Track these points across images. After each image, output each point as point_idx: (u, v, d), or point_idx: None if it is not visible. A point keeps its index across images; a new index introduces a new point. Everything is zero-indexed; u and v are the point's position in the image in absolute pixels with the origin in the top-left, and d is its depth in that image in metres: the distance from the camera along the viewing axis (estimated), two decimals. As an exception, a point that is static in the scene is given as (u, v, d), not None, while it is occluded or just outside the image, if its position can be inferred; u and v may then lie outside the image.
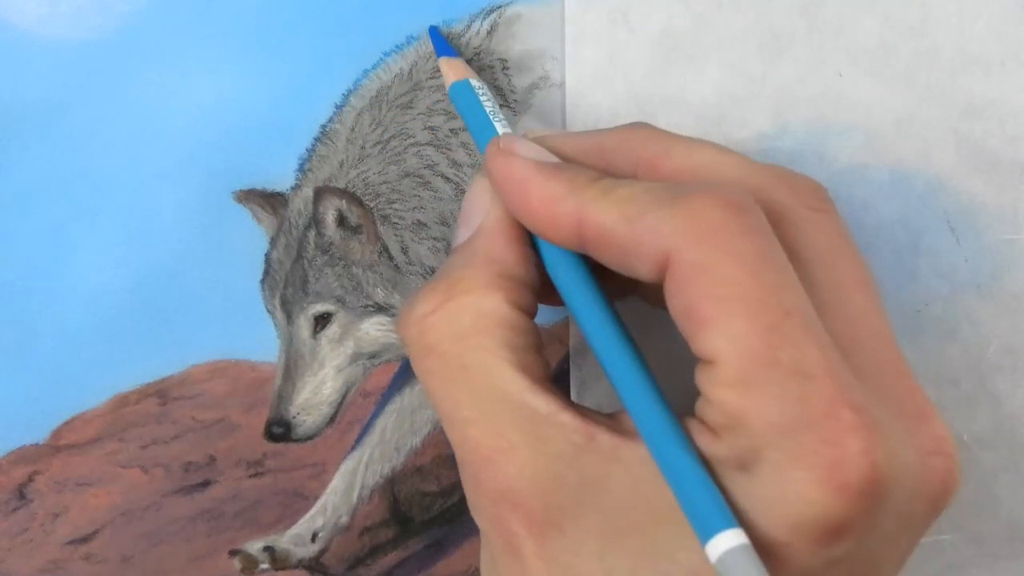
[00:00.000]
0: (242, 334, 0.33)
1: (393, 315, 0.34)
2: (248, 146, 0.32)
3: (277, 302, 0.33)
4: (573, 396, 0.35)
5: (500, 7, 0.32)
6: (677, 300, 0.23)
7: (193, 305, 0.32)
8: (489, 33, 0.33)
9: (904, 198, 0.34)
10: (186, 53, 0.31)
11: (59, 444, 0.33)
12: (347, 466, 0.35)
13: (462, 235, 0.27)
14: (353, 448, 0.35)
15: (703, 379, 0.23)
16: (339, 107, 0.32)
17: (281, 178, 0.32)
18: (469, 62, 0.33)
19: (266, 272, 0.33)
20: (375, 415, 0.35)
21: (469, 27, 0.32)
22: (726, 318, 0.22)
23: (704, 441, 0.23)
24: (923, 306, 0.34)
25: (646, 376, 0.24)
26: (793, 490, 0.21)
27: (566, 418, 0.24)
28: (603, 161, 0.27)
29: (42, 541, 0.33)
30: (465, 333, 0.25)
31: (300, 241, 0.33)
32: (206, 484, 0.34)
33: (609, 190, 0.24)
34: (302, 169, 0.32)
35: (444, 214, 0.33)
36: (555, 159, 0.27)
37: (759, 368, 0.22)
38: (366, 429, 0.35)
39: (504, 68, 0.33)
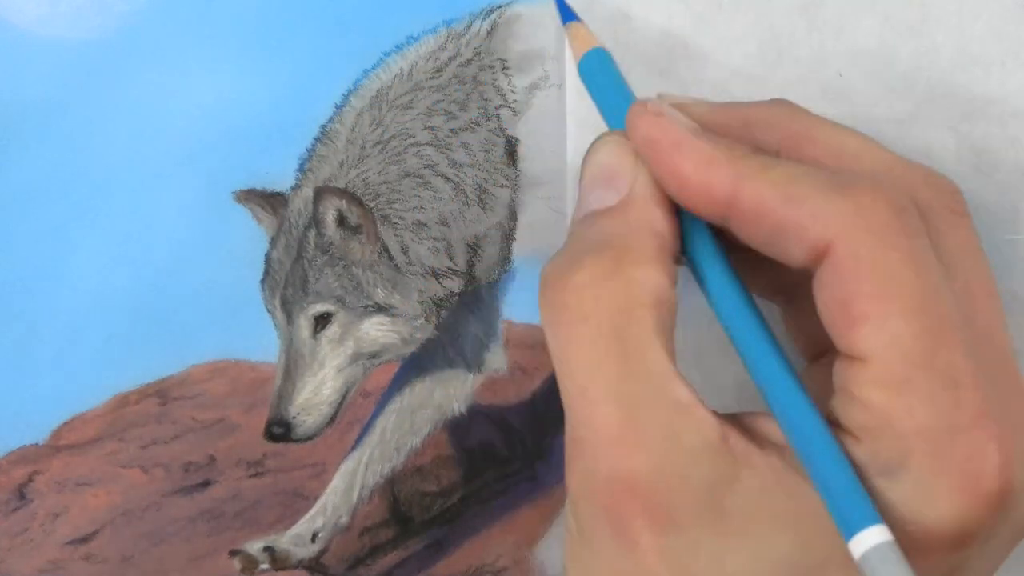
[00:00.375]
0: (242, 334, 0.33)
1: (393, 315, 0.34)
2: (248, 146, 0.32)
3: (277, 302, 0.33)
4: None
5: (500, 7, 0.32)
6: (831, 291, 0.22)
7: (193, 305, 0.32)
8: (489, 33, 0.33)
9: (904, 198, 0.34)
10: (186, 53, 0.31)
11: (59, 444, 0.33)
12: (347, 466, 0.35)
13: (606, 198, 0.25)
14: (353, 448, 0.35)
15: (848, 377, 0.22)
16: (339, 107, 0.32)
17: (281, 178, 0.32)
18: (469, 62, 0.33)
19: (266, 272, 0.33)
20: (375, 415, 0.35)
21: (469, 27, 0.32)
22: (886, 317, 0.21)
23: (845, 444, 0.22)
24: (923, 306, 0.34)
25: (789, 369, 0.23)
26: (936, 496, 0.21)
27: (703, 413, 0.23)
28: (747, 134, 0.26)
29: (42, 541, 0.33)
30: (631, 307, 0.23)
31: (300, 241, 0.33)
32: (206, 484, 0.34)
33: (769, 166, 0.23)
34: (302, 169, 0.32)
35: (444, 214, 0.33)
36: (708, 116, 0.25)
37: (915, 371, 0.21)
38: (366, 429, 0.35)
39: (504, 68, 0.33)
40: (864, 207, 0.22)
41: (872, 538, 0.21)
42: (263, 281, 0.33)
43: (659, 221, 0.24)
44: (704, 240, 0.25)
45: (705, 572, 0.22)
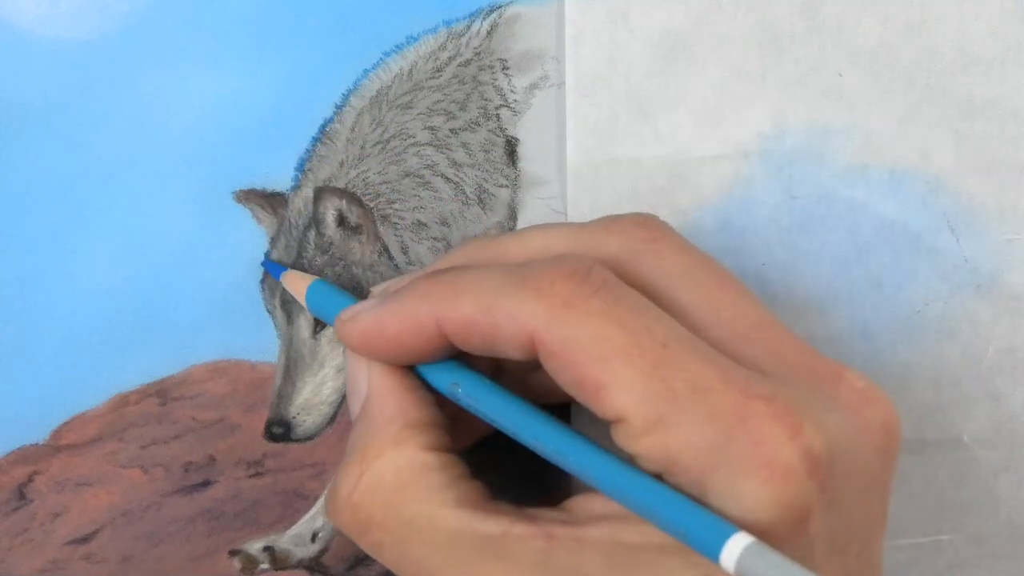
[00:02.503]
0: (242, 334, 0.33)
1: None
2: (248, 146, 0.32)
3: (277, 302, 0.33)
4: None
5: (500, 7, 0.32)
6: (561, 375, 0.23)
7: (193, 305, 0.32)
8: (489, 33, 0.33)
9: (904, 198, 0.34)
10: (186, 53, 0.31)
11: (59, 444, 0.33)
12: (347, 466, 0.35)
13: (354, 406, 0.27)
14: (353, 448, 0.34)
15: (621, 438, 0.23)
16: (339, 107, 0.32)
17: (281, 178, 0.32)
18: (469, 62, 0.33)
19: (266, 272, 0.33)
20: (375, 415, 0.35)
21: (469, 27, 0.32)
22: (612, 375, 0.22)
23: None
24: (923, 306, 0.34)
25: (580, 438, 0.24)
26: (749, 498, 0.21)
27: (520, 529, 0.24)
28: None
29: (42, 541, 0.33)
30: (393, 494, 0.25)
31: (300, 241, 0.33)
32: (206, 484, 0.34)
33: (456, 284, 0.25)
34: (302, 169, 0.32)
35: (444, 214, 0.33)
36: (392, 288, 0.27)
37: (662, 407, 0.22)
38: (366, 429, 0.35)
39: (504, 68, 0.33)
40: (545, 291, 0.23)
41: (738, 545, 0.21)
42: (263, 281, 0.33)
43: (391, 405, 0.26)
44: (443, 379, 0.26)
45: None
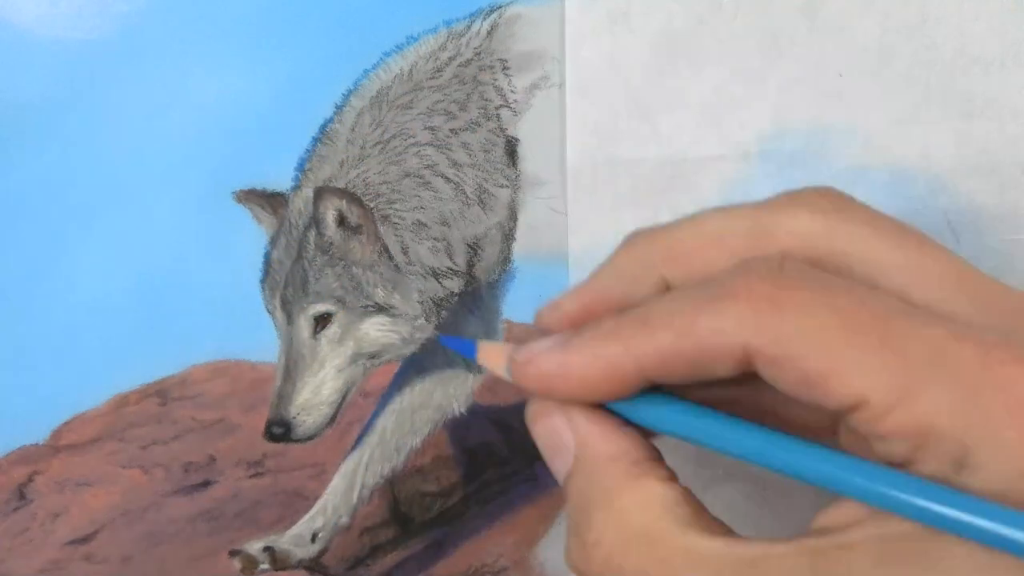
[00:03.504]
0: (242, 334, 0.33)
1: (393, 315, 0.33)
2: (248, 146, 0.32)
3: (277, 302, 0.33)
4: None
5: (500, 7, 0.32)
6: (786, 379, 0.22)
7: (193, 305, 0.32)
8: (489, 33, 0.33)
9: (904, 198, 0.34)
10: (186, 53, 0.31)
11: (59, 444, 0.33)
12: (347, 466, 0.35)
13: (561, 464, 0.26)
14: (353, 448, 0.35)
15: (863, 424, 0.22)
16: (339, 107, 0.32)
17: (281, 178, 0.32)
18: (469, 62, 0.33)
19: (266, 272, 0.33)
20: (375, 415, 0.35)
21: (469, 27, 0.32)
22: (841, 360, 0.22)
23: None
24: (923, 306, 0.34)
25: (815, 445, 0.23)
26: (1015, 453, 0.21)
27: (780, 548, 0.23)
28: (623, 284, 0.26)
29: (42, 541, 0.33)
30: (643, 532, 0.24)
31: (300, 241, 0.33)
32: (206, 484, 0.34)
33: (646, 317, 0.24)
34: (302, 169, 0.32)
35: (444, 214, 0.33)
36: (562, 333, 0.26)
37: (902, 379, 0.21)
38: (366, 429, 0.35)
39: (504, 68, 0.33)
40: (746, 300, 0.23)
41: None
42: (263, 281, 0.33)
43: (613, 443, 0.25)
44: (653, 413, 0.25)
45: None
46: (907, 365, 0.21)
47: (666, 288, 0.26)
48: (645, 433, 0.25)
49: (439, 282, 0.34)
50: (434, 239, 0.33)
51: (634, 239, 0.27)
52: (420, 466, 0.35)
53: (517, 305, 0.34)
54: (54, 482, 0.33)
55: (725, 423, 0.24)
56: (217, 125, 0.31)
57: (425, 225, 0.33)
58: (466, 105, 0.33)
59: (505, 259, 0.34)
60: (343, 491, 0.35)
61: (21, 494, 0.33)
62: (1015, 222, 0.34)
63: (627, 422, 0.25)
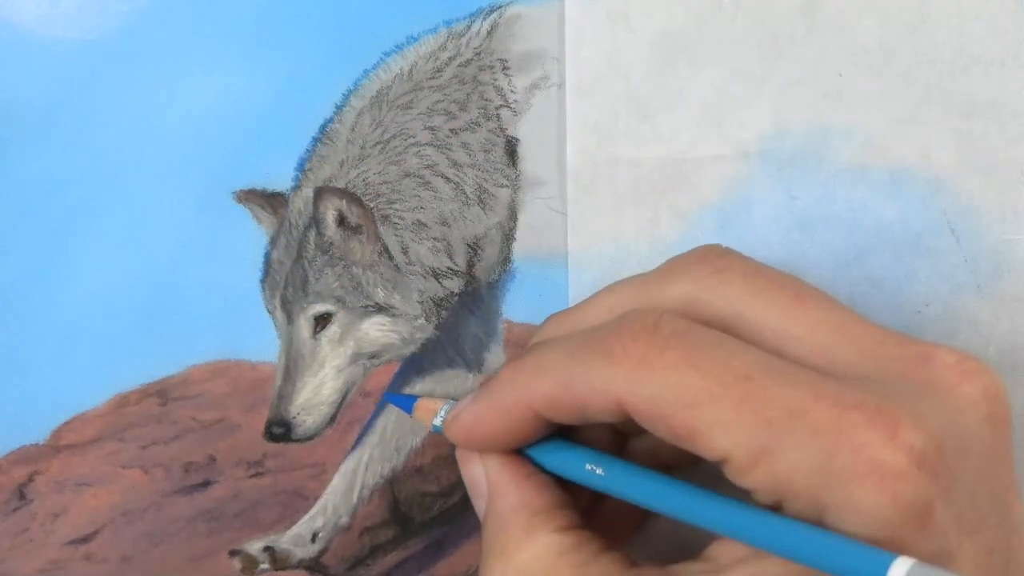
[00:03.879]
0: (242, 334, 0.33)
1: (393, 315, 0.33)
2: (248, 146, 0.32)
3: (277, 302, 0.33)
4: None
5: (500, 7, 0.32)
6: (655, 429, 0.24)
7: (193, 305, 0.32)
8: (489, 33, 0.33)
9: (904, 198, 0.34)
10: (186, 53, 0.31)
11: (59, 444, 0.33)
12: (347, 466, 0.35)
13: (479, 507, 0.28)
14: (353, 448, 0.35)
15: (731, 475, 0.23)
16: (339, 107, 0.32)
17: (281, 178, 0.32)
18: (469, 62, 0.33)
19: (266, 272, 0.33)
20: (375, 415, 0.35)
21: (469, 27, 0.32)
22: (704, 419, 0.23)
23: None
24: (923, 306, 0.34)
25: (701, 492, 0.24)
26: (867, 510, 0.21)
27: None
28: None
29: (42, 541, 0.33)
30: None
31: (300, 241, 0.33)
32: (206, 484, 0.34)
33: (537, 363, 0.26)
34: (302, 169, 0.32)
35: (444, 214, 0.33)
36: (477, 389, 0.28)
37: (761, 438, 0.22)
38: (366, 429, 0.35)
39: (504, 68, 0.33)
40: (616, 355, 0.24)
41: (901, 570, 0.21)
42: (263, 281, 0.33)
43: (515, 494, 0.27)
44: (556, 459, 0.27)
45: None
46: (766, 425, 0.22)
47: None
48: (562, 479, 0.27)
49: (439, 282, 0.34)
50: (434, 239, 0.33)
51: (548, 320, 0.29)
52: (420, 466, 0.35)
53: (517, 305, 0.34)
54: (54, 482, 0.33)
55: (618, 468, 0.26)
56: (217, 125, 0.31)
57: (425, 225, 0.33)
58: (466, 105, 0.33)
59: (505, 259, 0.34)
60: (343, 491, 0.35)
61: (21, 494, 0.33)
62: (1015, 222, 0.34)
63: (543, 468, 0.27)
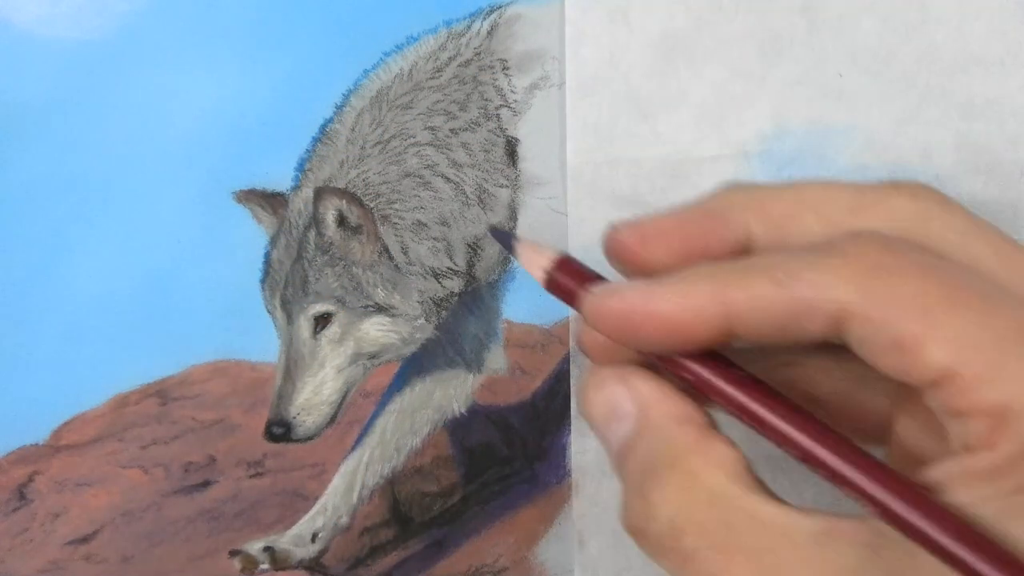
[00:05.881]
0: (242, 334, 0.33)
1: (393, 315, 0.33)
2: (248, 146, 0.32)
3: (277, 302, 0.33)
4: (573, 395, 0.35)
5: (500, 7, 0.32)
6: (876, 342, 0.22)
7: (193, 305, 0.32)
8: (489, 33, 0.33)
9: (904, 198, 0.34)
10: (186, 53, 0.31)
11: (59, 444, 0.33)
12: (347, 466, 0.35)
13: (622, 430, 0.25)
14: (353, 448, 0.35)
15: (947, 398, 0.22)
16: (339, 107, 0.32)
17: (281, 178, 0.32)
18: (469, 62, 0.33)
19: (266, 272, 0.33)
20: (375, 415, 0.35)
21: (469, 27, 0.32)
22: (937, 328, 0.21)
23: (980, 462, 0.21)
24: (923, 306, 0.34)
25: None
26: None
27: (844, 526, 0.22)
28: (704, 230, 0.25)
29: (42, 541, 0.33)
30: (712, 494, 0.23)
31: (300, 241, 0.33)
32: (206, 484, 0.34)
33: (746, 264, 0.23)
34: (302, 169, 0.32)
35: (444, 214, 0.33)
36: (648, 279, 0.24)
37: (994, 354, 0.21)
38: (366, 429, 0.35)
39: (504, 68, 0.33)
40: (853, 257, 0.22)
41: None
42: (263, 281, 0.33)
43: (679, 406, 0.24)
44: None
45: None
46: (1001, 343, 0.21)
47: (748, 242, 0.25)
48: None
49: (439, 282, 0.34)
50: (434, 239, 0.33)
51: (732, 187, 0.26)
52: (420, 466, 0.35)
53: (517, 305, 0.34)
54: (54, 482, 0.33)
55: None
56: (217, 125, 0.31)
57: (425, 225, 0.33)
58: (466, 105, 0.33)
59: (505, 259, 0.34)
60: (343, 491, 0.35)
61: (21, 494, 0.33)
62: (1015, 222, 0.34)
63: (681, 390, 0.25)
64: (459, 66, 0.33)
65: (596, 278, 0.25)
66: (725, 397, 0.24)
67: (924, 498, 0.22)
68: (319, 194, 0.32)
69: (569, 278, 0.26)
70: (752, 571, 0.22)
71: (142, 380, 0.33)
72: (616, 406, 0.25)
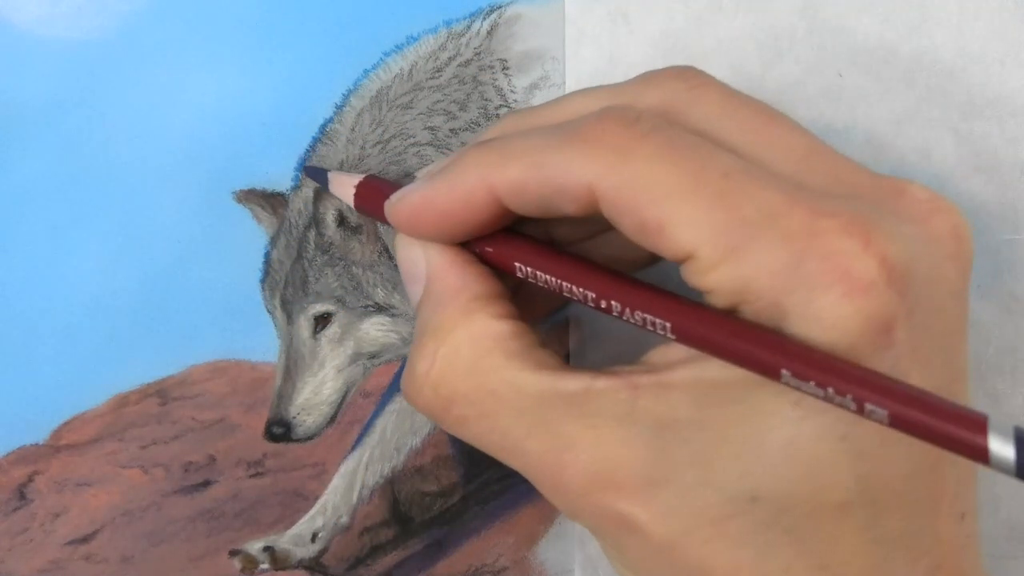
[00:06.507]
0: (242, 334, 0.33)
1: (393, 315, 0.33)
2: (248, 146, 0.32)
3: (277, 302, 0.33)
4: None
5: (500, 7, 0.32)
6: (623, 223, 0.23)
7: (193, 305, 0.32)
8: (489, 33, 0.33)
9: (904, 198, 0.34)
10: (186, 53, 0.31)
11: (59, 444, 0.33)
12: (347, 466, 0.35)
13: (415, 292, 0.27)
14: (353, 448, 0.35)
15: (692, 276, 0.23)
16: (339, 107, 0.32)
17: (281, 178, 0.32)
18: (469, 62, 0.33)
19: (266, 272, 0.33)
20: (375, 415, 0.35)
21: (469, 27, 0.32)
22: (676, 212, 0.22)
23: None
24: (923, 306, 0.34)
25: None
26: (829, 314, 0.21)
27: (603, 383, 0.24)
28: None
29: (42, 541, 0.33)
30: (472, 365, 0.25)
31: (300, 241, 0.33)
32: (206, 484, 0.34)
33: (504, 148, 0.25)
34: (302, 169, 0.32)
35: (444, 214, 0.33)
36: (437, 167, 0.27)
37: (731, 236, 0.22)
38: (366, 429, 0.35)
39: (504, 68, 0.33)
40: (595, 141, 0.23)
41: None
42: (263, 281, 0.33)
43: (454, 280, 0.26)
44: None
45: (710, 503, 0.23)
46: (738, 224, 0.22)
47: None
48: (503, 275, 0.26)
49: (439, 282, 0.34)
50: (434, 239, 0.33)
51: (505, 117, 0.28)
52: (420, 466, 0.35)
53: (517, 305, 0.34)
54: (54, 482, 0.33)
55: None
56: (217, 125, 0.31)
57: (425, 225, 0.33)
58: (466, 105, 0.33)
59: (505, 259, 0.34)
60: (343, 491, 0.35)
61: (21, 494, 0.33)
62: (1015, 222, 0.34)
63: (482, 262, 0.26)
64: (459, 66, 0.33)
65: (398, 189, 0.27)
66: (511, 266, 0.26)
67: (710, 314, 0.23)
68: (319, 194, 0.32)
69: (374, 195, 0.28)
70: (524, 430, 0.24)
71: (142, 380, 0.33)
72: (413, 267, 0.27)
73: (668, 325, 0.23)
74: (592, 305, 0.25)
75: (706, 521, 0.23)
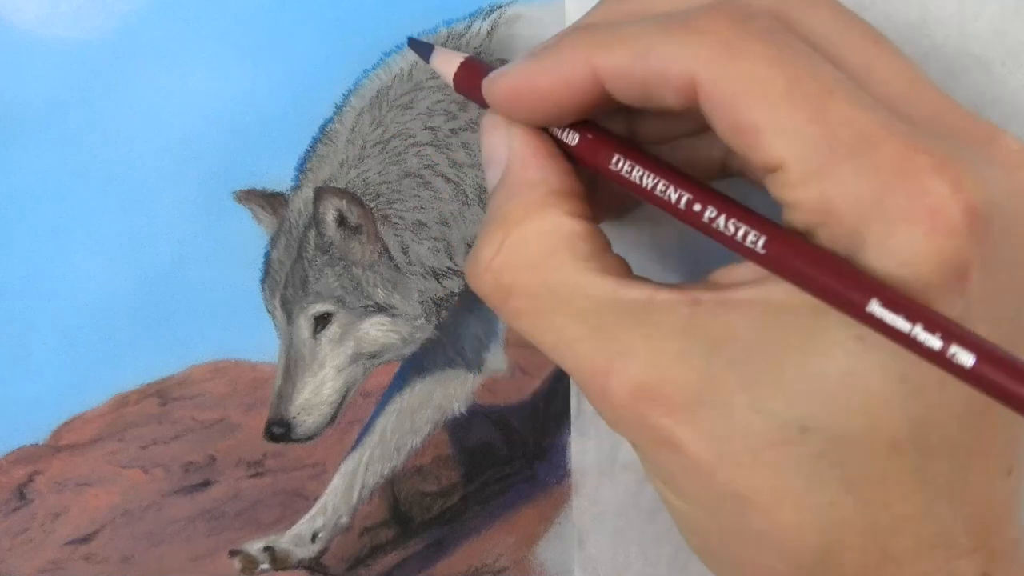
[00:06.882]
0: (242, 334, 0.33)
1: (393, 315, 0.33)
2: (248, 146, 0.32)
3: (277, 302, 0.33)
4: (572, 395, 0.35)
5: (500, 7, 0.32)
6: (719, 122, 0.23)
7: (193, 305, 0.32)
8: (489, 33, 0.33)
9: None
10: (186, 53, 0.31)
11: (59, 444, 0.33)
12: (347, 466, 0.35)
13: (492, 176, 0.26)
14: (353, 448, 0.35)
15: (777, 188, 0.22)
16: (339, 107, 0.32)
17: (281, 178, 0.32)
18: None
19: (266, 272, 0.33)
20: (375, 415, 0.35)
21: (469, 27, 0.32)
22: (774, 119, 0.22)
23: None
24: (923, 306, 0.34)
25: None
26: (906, 254, 0.21)
27: (665, 295, 0.23)
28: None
29: (42, 541, 0.33)
30: (537, 259, 0.24)
31: (300, 241, 0.33)
32: (206, 484, 0.34)
33: (612, 32, 0.24)
34: (302, 169, 0.32)
35: (444, 214, 0.33)
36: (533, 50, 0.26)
37: (823, 155, 0.21)
38: (366, 429, 0.35)
39: (504, 68, 0.33)
40: (706, 32, 0.23)
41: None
42: (263, 281, 0.33)
43: (535, 170, 0.25)
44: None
45: (753, 427, 0.22)
46: (833, 143, 0.21)
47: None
48: (581, 173, 0.26)
49: (439, 282, 0.34)
50: (434, 239, 0.33)
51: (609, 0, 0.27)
52: (420, 466, 0.35)
53: (517, 305, 0.34)
54: (54, 482, 0.33)
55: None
56: (217, 125, 0.31)
57: (425, 225, 0.33)
58: (466, 105, 0.33)
59: (505, 259, 0.34)
60: (343, 491, 0.35)
61: (21, 494, 0.33)
62: (1015, 222, 0.34)
63: (567, 157, 0.26)
64: (459, 66, 0.33)
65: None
66: (602, 159, 0.25)
67: (802, 238, 0.22)
68: (319, 194, 0.32)
69: (473, 75, 0.27)
70: (579, 332, 0.24)
71: (142, 380, 0.33)
72: (495, 152, 0.26)
73: (763, 239, 0.22)
74: (682, 209, 0.24)
75: (751, 447, 0.22)
